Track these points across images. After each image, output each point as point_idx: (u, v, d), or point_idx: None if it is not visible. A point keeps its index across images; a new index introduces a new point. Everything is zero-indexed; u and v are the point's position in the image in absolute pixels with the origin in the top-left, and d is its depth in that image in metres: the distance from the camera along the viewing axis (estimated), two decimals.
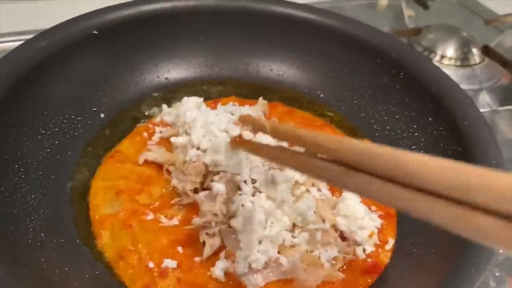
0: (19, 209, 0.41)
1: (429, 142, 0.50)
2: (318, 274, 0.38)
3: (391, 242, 0.43)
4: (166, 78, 0.61)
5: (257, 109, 0.54)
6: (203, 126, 0.46)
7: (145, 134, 0.52)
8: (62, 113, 0.51)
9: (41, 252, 0.38)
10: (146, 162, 0.49)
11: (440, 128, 0.50)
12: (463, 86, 0.80)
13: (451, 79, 0.53)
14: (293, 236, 0.41)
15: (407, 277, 0.39)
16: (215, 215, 0.39)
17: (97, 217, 0.43)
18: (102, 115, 0.54)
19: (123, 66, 0.58)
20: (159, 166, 0.48)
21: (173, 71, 0.61)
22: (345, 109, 0.59)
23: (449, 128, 0.48)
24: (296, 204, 0.41)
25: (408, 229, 0.44)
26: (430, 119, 0.51)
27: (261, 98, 0.57)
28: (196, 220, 0.40)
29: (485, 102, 0.79)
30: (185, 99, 0.53)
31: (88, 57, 0.55)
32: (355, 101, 0.59)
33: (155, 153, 0.48)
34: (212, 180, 0.43)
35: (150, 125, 0.54)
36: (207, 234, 0.39)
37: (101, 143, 0.52)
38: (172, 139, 0.48)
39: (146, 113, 0.57)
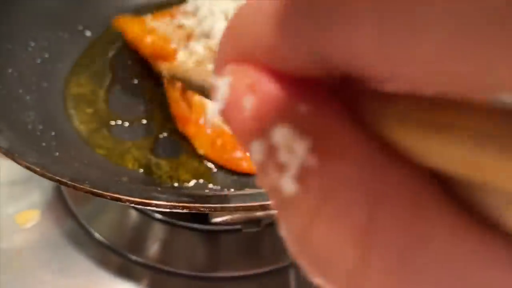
0: (18, 105, 0.44)
1: None
2: None
3: None
4: None
5: None
6: None
7: None
8: (50, 29, 0.54)
9: (39, 138, 0.42)
10: None
11: None
12: None
13: None
14: None
15: None
16: None
17: None
18: (88, 33, 0.57)
19: None
20: None
21: None
22: None
23: None
24: None
25: None
26: None
27: None
28: None
29: None
30: None
31: None
32: None
33: None
34: None
35: None
36: None
37: (90, 56, 0.55)
38: None
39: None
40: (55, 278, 0.46)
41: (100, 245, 0.48)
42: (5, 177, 0.53)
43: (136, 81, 0.53)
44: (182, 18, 0.53)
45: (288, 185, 0.09)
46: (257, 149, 0.09)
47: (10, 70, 0.47)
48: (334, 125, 0.09)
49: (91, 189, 0.30)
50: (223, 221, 0.35)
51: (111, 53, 0.56)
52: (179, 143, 0.46)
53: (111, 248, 0.47)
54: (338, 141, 0.09)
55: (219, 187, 0.42)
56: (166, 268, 0.46)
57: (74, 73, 0.52)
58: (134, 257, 0.47)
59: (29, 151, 0.35)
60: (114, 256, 0.47)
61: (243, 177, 0.43)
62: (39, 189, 0.52)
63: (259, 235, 0.47)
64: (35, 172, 0.32)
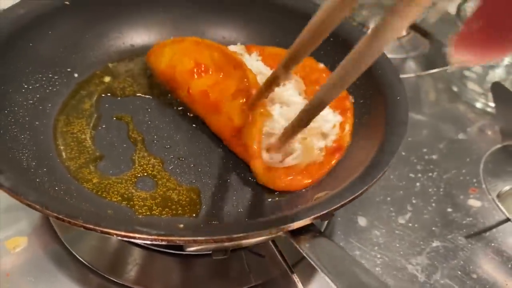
0: (13, 143, 0.49)
1: (351, 88, 0.61)
2: (310, 156, 0.52)
3: (347, 127, 0.57)
4: (131, 45, 0.69)
5: (237, 47, 0.65)
6: None
7: None
8: (41, 71, 0.59)
9: (33, 175, 0.47)
10: None
11: (361, 77, 0.60)
12: (392, 55, 0.92)
13: None
14: None
15: (362, 147, 0.53)
16: None
17: None
18: (76, 75, 0.63)
19: (92, 33, 0.66)
20: None
21: (137, 39, 0.70)
22: None
23: (367, 77, 0.60)
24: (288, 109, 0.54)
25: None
26: None
27: (239, 43, 0.67)
28: None
29: (410, 69, 0.92)
30: None
31: (61, 24, 0.62)
32: None
33: None
34: None
35: None
36: None
37: (78, 96, 0.60)
38: None
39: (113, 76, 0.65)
40: None
41: (83, 267, 0.53)
42: None
43: (120, 121, 0.58)
44: None
45: None
46: None
47: (6, 111, 0.52)
48: None
49: (84, 224, 0.36)
50: (195, 250, 0.41)
51: (96, 94, 0.62)
52: (157, 178, 0.52)
53: (93, 270, 0.52)
54: None
55: (190, 218, 0.48)
56: None
57: (63, 112, 0.58)
58: (113, 279, 0.52)
59: (27, 189, 0.40)
60: (96, 277, 0.52)
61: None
62: (27, 217, 0.57)
63: (228, 260, 0.53)
64: (35, 209, 0.37)
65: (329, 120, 0.56)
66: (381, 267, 0.57)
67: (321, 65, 0.65)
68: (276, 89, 0.56)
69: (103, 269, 0.52)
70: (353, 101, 0.60)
